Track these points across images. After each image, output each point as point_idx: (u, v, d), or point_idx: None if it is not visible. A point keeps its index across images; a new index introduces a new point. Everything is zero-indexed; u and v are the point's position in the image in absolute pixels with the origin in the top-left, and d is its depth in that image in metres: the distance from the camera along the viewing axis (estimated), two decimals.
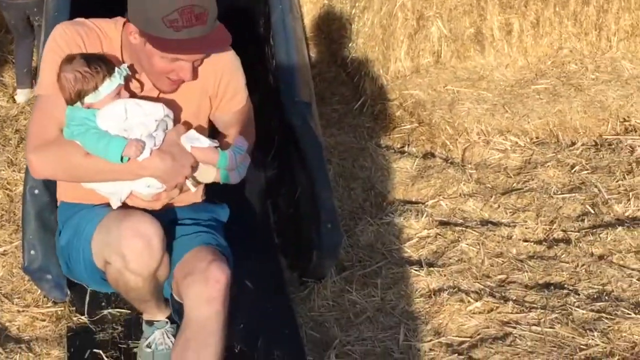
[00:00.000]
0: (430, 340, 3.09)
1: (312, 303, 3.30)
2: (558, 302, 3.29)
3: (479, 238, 3.75)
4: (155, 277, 2.52)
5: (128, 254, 2.38)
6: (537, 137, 4.71)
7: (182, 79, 2.45)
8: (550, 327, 3.13)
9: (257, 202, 3.84)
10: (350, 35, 5.38)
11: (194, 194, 2.65)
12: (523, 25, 5.20)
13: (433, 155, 4.60)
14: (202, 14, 2.28)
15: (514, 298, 3.34)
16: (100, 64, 2.35)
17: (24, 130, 4.70)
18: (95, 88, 2.34)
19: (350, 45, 5.39)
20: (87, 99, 2.36)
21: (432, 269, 3.51)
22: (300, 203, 3.46)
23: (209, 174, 2.55)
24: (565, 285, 3.43)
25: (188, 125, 2.57)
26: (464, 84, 5.00)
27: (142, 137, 2.37)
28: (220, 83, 2.62)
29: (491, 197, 4.12)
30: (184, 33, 2.28)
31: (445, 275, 3.47)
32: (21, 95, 5.21)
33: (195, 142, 2.46)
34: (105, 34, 2.48)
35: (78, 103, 2.39)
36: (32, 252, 3.03)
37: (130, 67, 2.47)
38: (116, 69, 2.38)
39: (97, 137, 2.35)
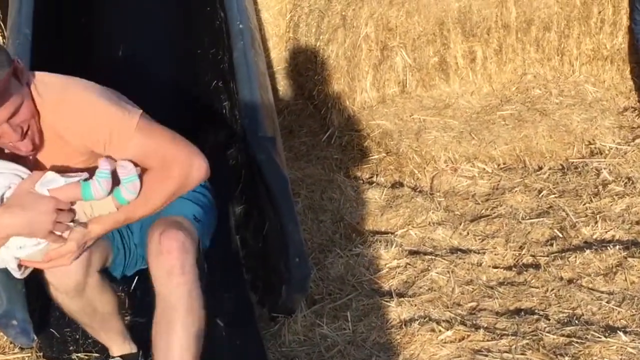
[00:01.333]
0: None
1: (283, 338, 3.28)
2: (529, 327, 3.29)
3: (449, 266, 3.74)
4: (85, 298, 2.54)
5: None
6: (504, 163, 4.74)
7: (10, 142, 2.34)
8: (522, 354, 3.12)
9: (225, 237, 3.82)
10: (316, 67, 5.40)
11: None
12: (486, 52, 5.24)
13: (401, 185, 4.61)
14: None
15: (485, 325, 3.33)
16: None
17: None
18: None
19: (316, 77, 5.41)
20: None
21: (402, 299, 3.51)
22: (268, 238, 3.45)
23: (102, 207, 2.42)
24: (536, 311, 3.43)
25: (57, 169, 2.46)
26: (430, 112, 5.03)
27: None
28: (92, 130, 2.44)
29: (460, 224, 4.13)
30: None
31: (416, 305, 3.46)
32: None
33: (51, 184, 2.34)
34: None
35: None
36: None
37: None
38: None
39: None
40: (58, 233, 2.40)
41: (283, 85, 5.93)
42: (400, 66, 5.13)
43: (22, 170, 2.39)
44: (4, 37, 5.78)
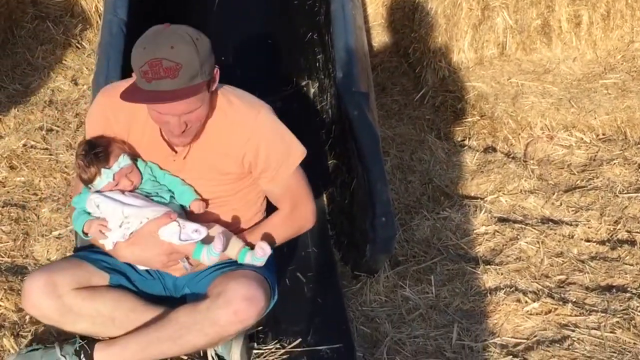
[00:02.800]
0: (485, 340, 3.00)
1: (364, 297, 3.24)
2: (620, 305, 3.17)
3: (539, 236, 3.63)
4: (86, 314, 2.65)
5: None
6: (603, 134, 4.55)
7: (171, 132, 2.51)
8: (611, 332, 3.01)
9: (313, 192, 3.78)
10: (413, 25, 5.27)
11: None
12: (593, 17, 5.02)
13: (494, 150, 4.48)
14: (171, 68, 2.32)
15: (574, 300, 3.23)
16: (92, 160, 2.56)
17: (84, 114, 4.73)
18: (90, 181, 2.59)
19: (412, 35, 5.28)
20: (89, 186, 2.62)
21: (489, 266, 3.42)
22: (355, 195, 3.39)
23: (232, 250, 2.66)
24: (628, 289, 3.30)
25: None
26: (529, 77, 4.86)
27: (113, 228, 2.56)
28: (259, 154, 2.63)
29: (553, 194, 3.99)
30: (153, 85, 2.34)
31: (502, 274, 3.37)
32: None
33: (171, 237, 2.54)
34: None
35: None
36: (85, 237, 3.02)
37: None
38: (103, 170, 2.55)
39: (76, 215, 2.63)
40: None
41: (378, 41, 5.83)
42: (500, 27, 4.97)
43: (157, 210, 2.57)
44: None
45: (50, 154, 4.25)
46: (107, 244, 2.58)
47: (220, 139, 2.61)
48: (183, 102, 2.39)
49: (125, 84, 2.57)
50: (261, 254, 2.61)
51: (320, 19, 4.35)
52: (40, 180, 4.02)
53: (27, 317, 2.98)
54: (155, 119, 2.50)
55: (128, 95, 2.41)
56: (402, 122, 4.76)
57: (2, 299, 3.10)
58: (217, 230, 2.62)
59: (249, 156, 2.63)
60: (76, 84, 5.30)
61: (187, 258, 2.64)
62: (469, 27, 4.93)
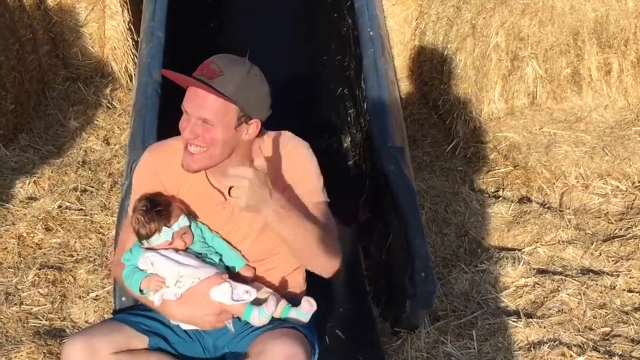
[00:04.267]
0: None
1: (406, 354, 3.19)
2: None
3: (580, 288, 3.58)
4: None
5: None
6: (639, 181, 4.50)
7: (186, 135, 2.49)
8: None
9: (348, 247, 3.76)
10: (442, 76, 5.29)
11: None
12: (623, 64, 5.02)
13: (529, 200, 4.45)
14: (214, 71, 2.40)
15: (620, 353, 3.17)
16: (154, 217, 2.55)
17: (117, 174, 4.76)
18: (147, 237, 2.57)
19: (441, 86, 5.29)
20: (143, 242, 2.60)
21: (530, 319, 3.36)
22: (392, 249, 3.37)
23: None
24: None
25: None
26: (561, 125, 4.84)
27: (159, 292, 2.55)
28: (293, 178, 2.61)
29: (592, 244, 3.94)
30: (197, 77, 2.42)
31: (545, 327, 3.32)
32: None
33: (223, 297, 2.53)
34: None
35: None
36: (124, 298, 3.01)
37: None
38: (164, 228, 2.55)
39: (130, 272, 2.61)
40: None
41: (406, 93, 5.85)
42: (530, 77, 4.97)
43: (209, 271, 2.57)
44: (135, 40, 5.93)
45: (85, 215, 4.27)
46: (156, 300, 2.56)
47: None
48: (205, 103, 2.42)
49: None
50: (307, 309, 2.58)
51: (350, 74, 4.37)
52: (75, 242, 4.03)
53: None
54: (180, 123, 2.53)
55: (170, 74, 2.48)
56: (435, 174, 4.74)
57: None
58: (265, 291, 2.61)
59: (286, 181, 2.61)
60: (108, 144, 5.34)
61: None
62: (499, 77, 4.93)
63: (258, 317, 2.53)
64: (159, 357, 2.68)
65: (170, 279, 2.55)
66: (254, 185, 2.35)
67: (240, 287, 2.55)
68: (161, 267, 2.56)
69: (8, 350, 3.19)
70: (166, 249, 2.61)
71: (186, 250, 2.65)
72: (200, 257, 2.64)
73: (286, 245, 2.57)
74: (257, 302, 2.56)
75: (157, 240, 2.58)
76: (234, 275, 2.67)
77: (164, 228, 2.58)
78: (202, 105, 2.44)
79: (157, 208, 2.58)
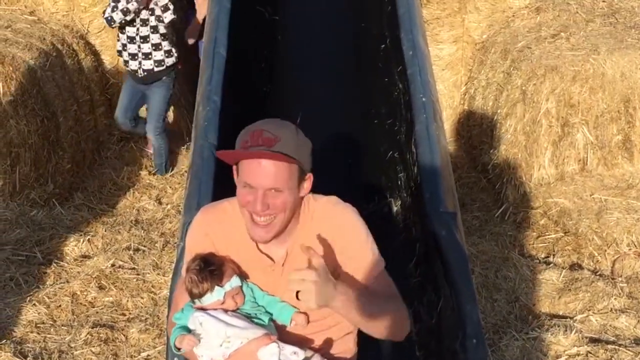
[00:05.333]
0: None
1: None
2: None
3: (634, 358, 3.52)
4: None
5: None
6: None
7: (255, 209, 2.49)
8: None
9: None
10: (491, 141, 5.31)
11: None
12: None
13: (580, 267, 4.41)
14: (270, 139, 2.41)
15: None
16: (207, 276, 2.56)
17: (169, 234, 4.82)
18: (200, 296, 2.59)
19: (491, 151, 5.31)
20: (195, 301, 2.61)
21: None
22: (443, 314, 3.35)
23: None
24: None
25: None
26: (612, 192, 4.82)
27: (211, 346, 2.55)
28: (345, 246, 2.58)
29: None
30: (249, 150, 2.42)
31: None
32: None
33: (269, 357, 2.52)
34: (239, 218, 2.58)
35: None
36: (176, 359, 3.03)
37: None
38: (217, 287, 2.56)
39: (175, 330, 2.63)
40: None
41: (455, 156, 5.87)
42: (581, 143, 4.98)
43: (257, 332, 2.58)
44: (189, 102, 6.06)
45: (138, 274, 4.32)
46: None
47: (314, 242, 2.58)
48: (272, 171, 2.43)
49: (223, 203, 2.66)
50: None
51: (401, 138, 4.40)
52: (128, 300, 4.08)
53: None
54: (242, 198, 2.52)
55: (226, 153, 2.50)
56: (484, 238, 4.73)
57: None
58: (313, 355, 2.61)
59: (336, 246, 2.59)
60: (160, 203, 5.43)
61: None
62: (549, 143, 4.95)
63: None
64: None
65: (217, 339, 2.57)
66: (319, 285, 2.38)
67: (288, 348, 2.55)
68: (209, 327, 2.58)
69: None
70: (216, 309, 2.64)
71: (236, 310, 2.67)
72: (249, 317, 2.66)
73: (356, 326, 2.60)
74: None
75: (209, 299, 2.60)
76: (283, 336, 2.68)
77: (217, 287, 2.61)
78: (269, 175, 2.45)
79: (210, 268, 2.60)
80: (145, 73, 5.69)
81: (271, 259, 2.67)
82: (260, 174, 2.46)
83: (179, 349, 2.65)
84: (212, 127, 3.62)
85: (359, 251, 2.61)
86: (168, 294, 3.29)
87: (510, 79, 5.20)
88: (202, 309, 2.65)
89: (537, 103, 4.94)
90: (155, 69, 5.70)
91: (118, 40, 5.73)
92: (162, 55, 5.69)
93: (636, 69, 4.96)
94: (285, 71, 5.31)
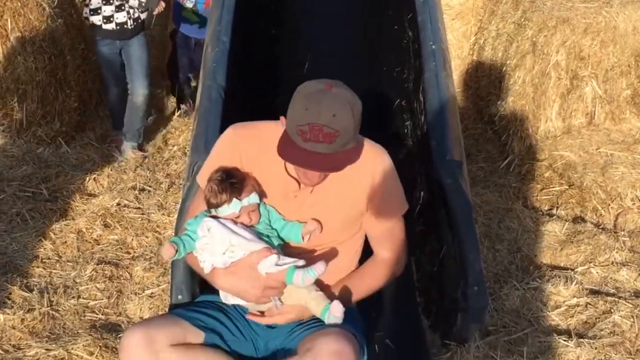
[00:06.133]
0: None
1: None
2: None
3: (633, 310, 3.55)
4: None
5: None
6: None
7: (310, 181, 2.59)
8: None
9: None
10: (499, 92, 5.29)
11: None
12: None
13: (583, 220, 4.43)
14: (330, 134, 2.42)
15: None
16: (227, 187, 2.62)
17: (175, 175, 4.84)
18: (217, 206, 2.64)
19: (498, 102, 5.29)
20: (212, 211, 2.66)
21: (582, 340, 3.35)
22: (445, 262, 3.38)
23: (296, 298, 2.67)
24: None
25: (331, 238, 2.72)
26: (618, 147, 4.82)
27: (214, 252, 2.61)
28: (377, 188, 2.69)
29: None
30: (309, 145, 2.44)
31: (596, 348, 3.30)
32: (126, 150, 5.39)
33: (270, 268, 2.58)
34: (269, 142, 2.63)
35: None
36: (180, 296, 3.06)
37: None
38: (235, 200, 2.62)
39: (185, 234, 2.68)
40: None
41: (462, 107, 5.86)
42: (589, 97, 4.96)
43: (260, 246, 2.62)
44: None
45: (143, 214, 4.36)
46: (206, 267, 2.63)
47: (345, 178, 2.65)
48: (335, 163, 2.48)
49: (258, 124, 2.74)
50: (337, 313, 2.62)
51: (408, 86, 4.39)
52: (132, 239, 4.11)
53: None
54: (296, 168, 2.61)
55: (285, 153, 2.52)
56: (489, 189, 4.75)
57: (97, 355, 3.16)
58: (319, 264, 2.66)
59: (368, 190, 2.69)
60: (166, 144, 5.44)
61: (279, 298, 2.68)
62: (557, 96, 4.93)
63: (302, 278, 2.56)
64: (214, 353, 2.73)
65: (221, 246, 2.60)
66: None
67: (289, 259, 2.60)
68: (216, 233, 2.61)
69: (65, 342, 3.27)
70: (226, 219, 2.65)
71: (249, 227, 2.70)
72: (261, 236, 2.69)
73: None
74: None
75: (225, 210, 2.63)
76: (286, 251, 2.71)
77: (234, 200, 2.62)
78: (329, 170, 2.53)
79: (232, 180, 2.64)
80: (135, 23, 5.37)
81: (299, 183, 2.69)
82: (316, 171, 2.55)
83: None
84: (220, 69, 3.61)
85: (388, 196, 2.73)
86: (173, 233, 3.32)
87: (521, 30, 5.16)
88: (214, 217, 2.67)
89: (547, 55, 4.91)
90: (141, 16, 5.39)
91: (87, 4, 5.32)
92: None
93: None
94: (295, 16, 5.27)
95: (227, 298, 2.75)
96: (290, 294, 2.65)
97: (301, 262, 2.60)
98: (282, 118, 2.58)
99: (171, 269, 3.14)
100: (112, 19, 5.26)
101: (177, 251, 2.63)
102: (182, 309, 2.85)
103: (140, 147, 5.37)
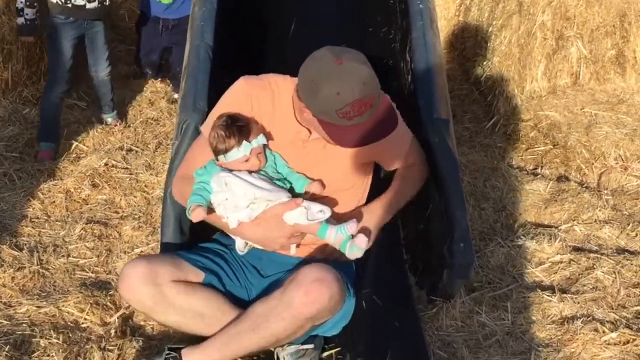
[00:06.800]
0: None
1: (441, 322, 3.26)
2: None
3: (615, 267, 3.62)
4: (178, 307, 2.75)
5: None
6: None
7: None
8: None
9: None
10: (485, 53, 5.32)
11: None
12: None
13: (567, 179, 4.48)
14: (369, 100, 2.54)
15: None
16: (235, 131, 2.66)
17: (163, 135, 4.86)
18: (225, 151, 2.67)
19: (484, 63, 5.33)
20: (220, 158, 2.69)
21: (565, 295, 3.41)
22: (431, 220, 3.42)
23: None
24: None
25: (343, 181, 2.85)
26: (603, 107, 4.87)
27: (237, 207, 2.65)
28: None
29: (628, 224, 3.98)
30: (355, 120, 2.54)
31: (578, 303, 3.36)
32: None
33: (298, 219, 2.66)
34: (279, 93, 2.76)
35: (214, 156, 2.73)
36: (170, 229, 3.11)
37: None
38: (244, 142, 2.65)
39: (196, 188, 2.71)
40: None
41: (448, 68, 5.88)
42: (574, 57, 5.00)
43: (283, 194, 2.70)
44: None
45: (131, 174, 4.37)
46: (232, 223, 2.67)
47: None
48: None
49: (268, 76, 2.84)
50: (360, 243, 2.75)
51: (395, 46, 4.40)
52: (121, 199, 4.14)
53: (113, 331, 3.07)
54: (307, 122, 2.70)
55: (343, 139, 2.60)
56: (474, 149, 4.79)
57: (88, 312, 3.19)
58: (351, 222, 2.76)
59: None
60: (152, 104, 5.44)
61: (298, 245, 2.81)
62: (543, 56, 4.97)
63: (335, 234, 2.68)
64: (212, 293, 2.83)
65: (244, 200, 2.65)
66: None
67: (314, 207, 2.68)
68: (237, 188, 2.64)
69: (56, 299, 3.29)
70: (240, 170, 2.69)
71: (259, 172, 2.73)
72: (273, 180, 2.73)
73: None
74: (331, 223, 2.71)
75: (235, 155, 2.67)
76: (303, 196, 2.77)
77: (244, 142, 2.66)
78: (392, 129, 2.72)
79: (238, 123, 2.68)
80: (100, 5, 4.88)
81: (310, 132, 2.73)
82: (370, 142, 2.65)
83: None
84: (208, 27, 3.61)
85: (398, 137, 2.90)
86: (162, 193, 3.34)
87: None
88: (227, 170, 2.70)
89: (533, 15, 4.94)
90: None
91: None
92: None
93: None
94: None
95: (242, 247, 2.81)
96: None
97: (329, 214, 2.69)
98: (298, 96, 2.65)
99: (161, 227, 3.18)
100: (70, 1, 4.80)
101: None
102: (184, 251, 2.91)
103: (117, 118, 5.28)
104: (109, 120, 5.24)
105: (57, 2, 4.74)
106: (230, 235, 2.82)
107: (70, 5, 4.77)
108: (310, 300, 2.60)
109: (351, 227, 2.69)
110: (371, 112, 2.56)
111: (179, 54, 5.27)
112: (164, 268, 2.72)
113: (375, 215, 2.95)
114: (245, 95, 2.79)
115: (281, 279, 2.81)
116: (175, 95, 5.43)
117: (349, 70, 2.52)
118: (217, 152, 2.70)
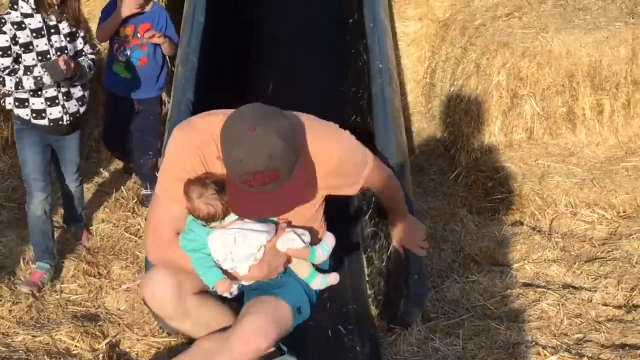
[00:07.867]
0: None
1: (398, 347, 3.56)
2: None
3: (560, 299, 3.93)
4: (192, 318, 2.95)
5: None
6: (624, 211, 4.90)
7: None
8: None
9: (354, 255, 4.18)
10: (449, 111, 5.74)
11: None
12: (614, 106, 5.44)
13: (521, 224, 4.84)
14: (273, 174, 2.51)
15: (589, 355, 3.49)
16: (225, 198, 2.69)
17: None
18: (223, 217, 2.76)
19: (448, 120, 5.75)
20: (214, 223, 2.77)
21: (512, 324, 3.73)
22: (391, 258, 3.77)
23: (302, 269, 3.00)
24: None
25: (300, 217, 2.90)
26: (555, 159, 5.26)
27: (249, 255, 2.77)
28: (341, 165, 2.87)
29: (575, 263, 4.32)
30: (255, 189, 2.55)
31: (524, 331, 3.68)
32: None
33: (291, 243, 2.84)
34: (218, 134, 2.60)
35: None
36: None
37: None
38: None
39: (202, 261, 2.79)
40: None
41: (417, 127, 6.29)
42: (528, 114, 5.41)
43: (272, 226, 2.85)
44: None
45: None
46: (243, 270, 2.79)
47: (307, 167, 2.77)
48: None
49: (202, 119, 2.80)
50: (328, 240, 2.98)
51: (363, 104, 4.82)
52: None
53: (101, 356, 3.39)
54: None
55: (239, 206, 2.63)
56: (437, 198, 5.17)
57: (78, 340, 3.51)
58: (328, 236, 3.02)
59: (328, 177, 2.86)
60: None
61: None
62: (499, 113, 5.39)
63: (322, 253, 2.91)
64: (216, 304, 3.03)
65: (257, 247, 2.77)
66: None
67: (298, 230, 2.86)
68: (248, 240, 2.75)
69: (49, 329, 3.61)
70: (235, 222, 2.77)
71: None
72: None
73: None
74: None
75: (231, 217, 2.74)
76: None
77: None
78: (290, 209, 2.71)
79: (220, 184, 2.68)
80: (72, 118, 4.10)
81: None
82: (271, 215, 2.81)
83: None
84: (189, 85, 4.03)
85: (349, 166, 2.93)
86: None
87: (466, 53, 5.63)
88: (223, 227, 2.77)
89: (489, 76, 5.38)
90: (81, 110, 4.15)
91: (9, 94, 3.99)
92: (80, 90, 4.13)
93: (580, 47, 5.39)
94: (262, 39, 5.66)
95: (235, 291, 2.88)
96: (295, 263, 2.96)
97: (308, 238, 2.86)
98: (223, 117, 2.60)
99: (145, 266, 3.50)
100: (44, 115, 4.03)
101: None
102: None
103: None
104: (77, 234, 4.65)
105: (17, 114, 4.05)
106: (217, 288, 2.84)
107: (38, 122, 4.05)
108: (250, 350, 2.78)
109: (330, 240, 2.92)
110: (275, 185, 2.52)
111: (142, 142, 4.97)
112: (188, 279, 2.84)
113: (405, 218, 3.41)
114: (191, 150, 2.74)
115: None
116: (144, 192, 5.08)
117: (259, 140, 2.46)
118: (212, 220, 2.73)
